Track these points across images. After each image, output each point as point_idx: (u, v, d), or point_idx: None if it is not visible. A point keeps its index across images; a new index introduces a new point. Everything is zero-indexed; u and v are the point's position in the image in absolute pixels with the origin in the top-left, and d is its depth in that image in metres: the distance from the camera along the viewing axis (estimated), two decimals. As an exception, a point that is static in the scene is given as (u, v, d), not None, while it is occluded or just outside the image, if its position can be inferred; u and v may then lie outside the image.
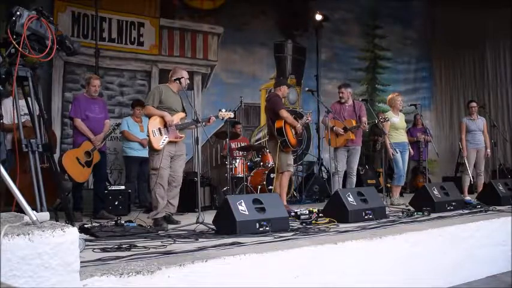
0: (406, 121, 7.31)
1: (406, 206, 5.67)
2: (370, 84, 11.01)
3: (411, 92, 11.13)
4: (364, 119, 6.31)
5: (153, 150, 4.69)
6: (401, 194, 7.34)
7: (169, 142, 4.71)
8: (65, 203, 3.52)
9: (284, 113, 5.88)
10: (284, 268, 2.96)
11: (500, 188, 5.96)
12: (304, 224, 4.27)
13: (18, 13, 2.81)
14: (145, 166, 6.70)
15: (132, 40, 8.18)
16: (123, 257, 2.75)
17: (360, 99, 8.87)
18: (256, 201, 3.88)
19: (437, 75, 11.48)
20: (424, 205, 5.10)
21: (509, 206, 5.38)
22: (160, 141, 4.65)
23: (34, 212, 2.21)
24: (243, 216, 3.69)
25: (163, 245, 3.25)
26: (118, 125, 6.24)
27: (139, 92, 8.10)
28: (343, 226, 4.16)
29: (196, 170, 6.08)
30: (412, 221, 4.55)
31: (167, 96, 4.84)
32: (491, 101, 10.15)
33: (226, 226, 3.70)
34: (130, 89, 8.11)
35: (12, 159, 4.35)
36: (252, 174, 7.45)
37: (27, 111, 3.19)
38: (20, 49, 2.81)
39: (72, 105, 5.57)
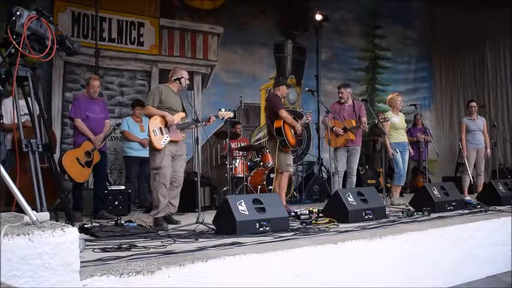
0: (406, 121, 7.31)
1: (406, 206, 5.67)
2: (370, 84, 11.01)
3: (411, 92, 11.13)
4: (364, 119, 6.30)
5: (154, 150, 4.69)
6: (401, 194, 7.34)
7: (171, 141, 4.72)
8: (65, 203, 3.52)
9: (283, 113, 5.88)
10: (284, 268, 2.96)
11: (500, 188, 5.96)
12: (304, 224, 4.27)
13: (18, 13, 2.81)
14: (145, 166, 6.70)
15: (132, 40, 8.18)
16: (123, 257, 2.75)
17: (360, 99, 8.87)
18: (256, 201, 3.88)
19: (437, 75, 11.48)
20: (424, 205, 5.10)
21: (509, 206, 5.38)
22: (161, 140, 4.65)
23: (34, 212, 2.21)
24: (243, 216, 3.69)
25: (163, 245, 3.25)
26: (118, 125, 6.24)
27: (139, 92, 8.10)
28: (343, 226, 4.16)
29: (196, 170, 6.07)
30: (412, 221, 4.55)
31: (167, 96, 4.84)
32: (491, 101, 10.15)
33: (226, 226, 3.70)
34: (130, 89, 8.11)
35: (12, 159, 4.35)
36: (252, 174, 7.45)
37: (27, 111, 3.19)
38: (20, 49, 2.81)
39: (72, 106, 5.57)
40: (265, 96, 8.09)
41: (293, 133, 5.97)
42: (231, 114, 5.14)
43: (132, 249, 3.07)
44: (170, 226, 4.51)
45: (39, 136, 2.91)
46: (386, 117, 6.60)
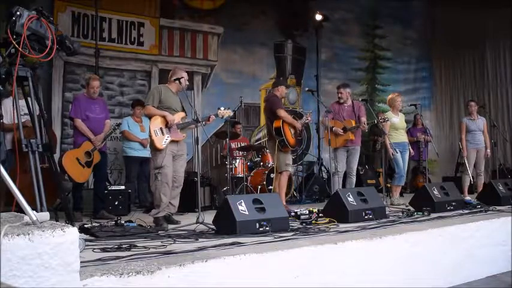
0: (406, 121, 7.31)
1: (406, 206, 5.67)
2: (370, 84, 11.01)
3: (411, 92, 11.13)
4: (363, 119, 6.30)
5: (155, 150, 4.70)
6: (401, 194, 7.34)
7: (172, 141, 4.74)
8: (65, 203, 3.52)
9: (282, 113, 5.88)
10: (284, 268, 2.96)
11: (500, 188, 5.96)
12: (304, 224, 4.27)
13: (18, 13, 2.81)
14: (145, 166, 6.70)
15: (132, 40, 8.18)
16: (123, 257, 2.75)
17: (360, 99, 8.89)
18: (256, 201, 3.88)
19: (437, 75, 11.48)
20: (424, 205, 5.10)
21: (509, 206, 5.38)
22: (162, 140, 4.67)
23: (34, 212, 2.21)
24: (243, 216, 3.69)
25: (163, 245, 3.25)
26: (118, 125, 6.24)
27: (139, 92, 8.10)
28: (343, 226, 4.16)
29: (196, 170, 6.07)
30: (412, 221, 4.55)
31: (167, 96, 4.85)
32: (491, 101, 10.15)
33: (226, 226, 3.70)
34: (130, 89, 8.11)
35: (12, 159, 4.35)
36: (252, 174, 7.45)
37: (27, 111, 3.19)
38: (20, 49, 2.81)
39: (73, 106, 5.57)
40: (265, 96, 8.08)
41: (292, 133, 5.97)
42: (231, 113, 5.14)
43: (132, 249, 3.07)
44: (170, 226, 4.51)
45: (39, 136, 2.91)
46: (386, 118, 6.60)
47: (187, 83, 5.09)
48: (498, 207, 5.35)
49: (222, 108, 5.06)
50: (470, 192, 7.42)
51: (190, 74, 8.26)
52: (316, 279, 3.07)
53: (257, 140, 9.44)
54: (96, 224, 4.08)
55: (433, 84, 11.51)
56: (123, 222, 4.19)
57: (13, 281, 1.91)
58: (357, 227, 4.04)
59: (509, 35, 9.43)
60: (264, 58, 9.69)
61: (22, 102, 3.24)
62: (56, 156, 4.31)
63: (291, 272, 2.98)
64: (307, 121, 6.29)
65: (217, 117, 5.07)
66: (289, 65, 10.10)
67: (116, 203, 5.94)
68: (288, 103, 9.63)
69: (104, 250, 3.02)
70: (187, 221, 4.58)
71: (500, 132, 9.02)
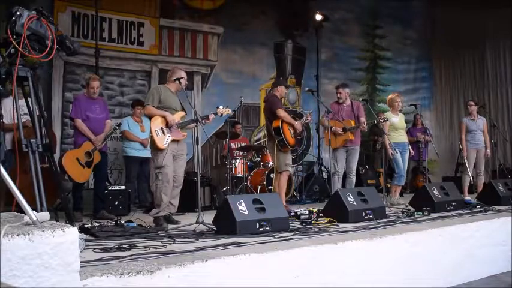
0: (406, 121, 7.31)
1: (406, 206, 5.67)
2: (370, 84, 11.01)
3: (411, 92, 11.13)
4: (363, 119, 6.31)
5: (156, 150, 4.71)
6: (401, 194, 7.34)
7: (172, 141, 4.76)
8: (65, 203, 3.52)
9: (281, 113, 5.87)
10: (284, 268, 2.96)
11: (500, 188, 5.96)
12: (304, 224, 4.27)
13: (18, 13, 2.81)
14: (145, 166, 6.70)
15: (132, 40, 8.18)
16: (123, 257, 2.75)
17: (360, 99, 8.89)
18: (256, 201, 3.88)
19: (437, 75, 11.48)
20: (424, 205, 5.10)
21: (509, 206, 5.38)
22: (164, 140, 4.68)
23: (34, 212, 2.21)
24: (243, 216, 3.69)
25: (163, 245, 3.25)
26: (119, 124, 6.25)
27: (139, 92, 8.10)
28: (343, 226, 4.16)
29: (196, 170, 6.07)
30: (412, 221, 4.55)
31: (166, 96, 4.86)
32: (491, 101, 10.15)
33: (226, 226, 3.70)
34: (130, 89, 8.11)
35: (12, 159, 4.35)
36: (252, 174, 7.45)
37: (26, 111, 3.19)
38: (20, 49, 2.81)
39: (73, 106, 5.58)
40: (265, 96, 8.09)
41: (292, 133, 5.96)
42: (229, 111, 5.15)
43: (132, 249, 3.07)
44: (170, 226, 4.51)
45: (39, 136, 2.91)
46: (386, 118, 6.59)
47: (187, 83, 5.10)
48: (498, 207, 5.35)
49: (221, 107, 5.07)
50: (470, 192, 7.42)
51: (190, 74, 8.29)
52: (316, 279, 3.07)
53: (257, 140, 9.43)
54: (96, 224, 4.08)
55: (433, 84, 11.51)
56: (123, 222, 4.19)
57: (13, 281, 1.91)
58: (357, 227, 4.04)
59: (509, 35, 9.43)
60: (264, 58, 9.69)
61: (22, 102, 3.24)
62: (56, 156, 4.31)
63: (291, 272, 2.98)
64: (307, 121, 6.28)
65: (217, 116, 5.08)
66: (289, 65, 10.10)
67: (116, 203, 5.94)
68: (288, 103, 9.63)
69: (104, 250, 3.02)
70: (187, 221, 4.58)
71: (500, 132, 9.02)
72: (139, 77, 8.24)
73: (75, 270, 2.13)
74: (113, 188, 6.07)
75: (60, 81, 7.41)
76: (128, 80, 8.09)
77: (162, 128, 4.73)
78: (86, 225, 3.97)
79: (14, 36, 2.81)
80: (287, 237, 3.53)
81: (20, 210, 2.32)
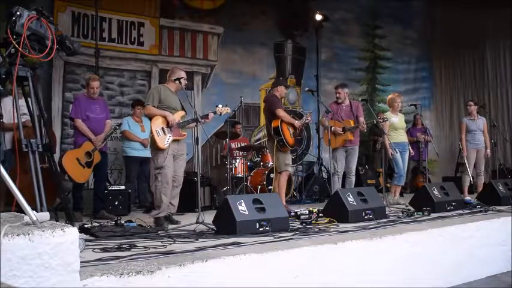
0: (406, 121, 7.31)
1: (406, 206, 5.66)
2: (370, 84, 11.01)
3: (411, 92, 11.13)
4: (362, 119, 6.31)
5: (157, 150, 4.71)
6: (401, 194, 7.34)
7: (173, 141, 4.76)
8: (65, 203, 3.52)
9: (281, 112, 5.87)
10: (284, 268, 2.96)
11: (500, 188, 5.96)
12: (304, 224, 4.27)
13: (18, 13, 2.81)
14: (145, 166, 6.70)
15: (132, 40, 8.18)
16: (123, 257, 2.75)
17: (360, 99, 8.89)
18: (256, 201, 3.88)
19: (437, 75, 11.48)
20: (424, 205, 5.10)
21: (509, 206, 5.38)
22: (165, 140, 4.68)
23: (34, 212, 2.21)
24: (243, 216, 3.69)
25: (163, 245, 3.25)
26: (119, 124, 6.24)
27: (139, 92, 8.10)
28: (343, 226, 4.16)
29: (196, 170, 6.08)
30: (412, 221, 4.55)
31: (166, 95, 4.86)
32: (491, 101, 10.14)
33: (226, 226, 3.70)
34: (130, 89, 8.11)
35: (12, 158, 4.35)
36: (252, 174, 7.44)
37: (26, 111, 3.19)
38: (20, 49, 2.81)
39: (73, 106, 5.58)
40: (264, 96, 8.09)
41: (291, 132, 5.95)
42: (229, 110, 5.14)
43: (132, 249, 3.07)
44: (170, 226, 4.51)
45: (39, 136, 2.91)
46: (385, 118, 6.59)
47: (186, 83, 5.10)
48: (498, 207, 5.35)
49: (220, 106, 5.06)
50: (470, 192, 7.41)
51: (190, 74, 8.29)
52: (316, 279, 3.07)
53: (257, 140, 9.43)
54: (96, 224, 4.08)
55: (433, 84, 11.51)
56: (123, 222, 4.19)
57: (13, 281, 1.91)
58: (357, 227, 4.04)
59: (509, 35, 9.43)
60: (264, 58, 9.69)
61: (21, 102, 3.23)
62: (56, 156, 4.31)
63: (291, 272, 2.98)
64: (307, 121, 6.28)
65: (216, 115, 5.07)
66: (289, 65, 10.09)
67: (116, 203, 5.93)
68: (288, 103, 9.63)
69: (104, 250, 3.02)
70: (187, 221, 4.57)
71: (500, 132, 9.01)
72: (139, 77, 8.24)
73: (75, 270, 2.13)
74: (113, 188, 6.07)
75: (60, 81, 7.40)
76: (128, 80, 8.09)
77: (162, 128, 4.73)
78: (86, 225, 3.97)
79: (14, 36, 2.81)
80: (287, 237, 3.53)
81: (20, 210, 2.32)
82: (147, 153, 6.36)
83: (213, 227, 3.96)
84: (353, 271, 3.29)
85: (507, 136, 9.48)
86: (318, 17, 9.63)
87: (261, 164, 7.55)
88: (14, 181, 2.23)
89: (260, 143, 9.26)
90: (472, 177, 7.49)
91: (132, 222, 4.30)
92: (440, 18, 11.11)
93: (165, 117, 4.75)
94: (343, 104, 6.40)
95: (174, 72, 5.01)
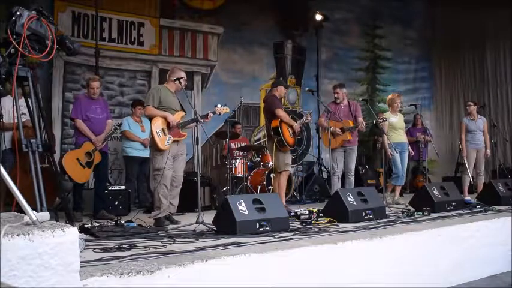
0: (406, 121, 7.30)
1: (406, 206, 5.67)
2: (370, 84, 11.01)
3: (411, 92, 11.13)
4: (360, 119, 6.31)
5: (157, 151, 4.71)
6: (401, 194, 7.34)
7: (173, 141, 4.76)
8: (65, 203, 3.52)
9: (280, 112, 5.87)
10: (284, 268, 2.96)
11: (500, 188, 5.96)
12: (304, 224, 4.27)
13: (18, 13, 2.81)
14: (145, 166, 6.70)
15: (132, 40, 8.18)
16: (123, 257, 2.75)
17: (360, 99, 8.88)
18: (256, 201, 3.88)
19: (437, 75, 11.48)
20: (424, 205, 5.10)
21: (509, 206, 5.39)
22: (165, 141, 4.69)
23: (34, 212, 2.20)
24: (243, 216, 3.69)
25: (163, 245, 3.25)
26: (119, 124, 6.24)
27: (139, 92, 8.09)
28: (343, 226, 4.16)
29: (196, 170, 6.07)
30: (412, 221, 4.55)
31: (166, 96, 4.87)
32: (491, 101, 10.15)
33: (226, 226, 3.70)
34: (130, 89, 8.11)
35: (12, 158, 4.35)
36: (252, 174, 7.44)
37: (25, 111, 3.19)
38: (20, 49, 2.81)
39: (73, 106, 5.59)
40: (264, 96, 8.09)
41: (291, 132, 5.95)
42: (228, 110, 5.15)
43: (132, 249, 3.08)
44: (170, 226, 4.51)
45: (39, 136, 2.91)
46: (384, 118, 6.59)
47: (186, 83, 5.10)
48: (498, 207, 5.35)
49: (219, 106, 5.06)
50: (470, 192, 7.41)
51: (190, 74, 8.29)
52: (316, 279, 3.07)
53: (257, 140, 9.43)
54: (96, 224, 4.07)
55: (433, 84, 11.51)
56: (123, 222, 4.19)
57: (13, 281, 1.91)
58: (357, 227, 4.04)
59: (510, 35, 9.43)
60: (263, 58, 9.68)
61: (21, 102, 3.24)
62: (56, 156, 4.31)
63: (291, 272, 2.98)
64: (306, 121, 6.28)
65: (215, 114, 5.07)
66: (289, 65, 10.09)
67: (116, 203, 5.94)
68: (288, 103, 9.63)
69: (104, 250, 3.02)
70: (187, 221, 4.58)
71: (500, 132, 9.02)
72: (140, 77, 8.23)
73: (75, 270, 2.13)
74: (113, 188, 6.07)
75: (60, 81, 7.40)
76: (128, 80, 8.09)
77: (163, 129, 4.73)
78: (86, 225, 3.97)
79: (14, 36, 2.80)
80: (287, 237, 3.53)
81: (20, 210, 2.32)
82: (147, 153, 6.35)
83: (213, 227, 3.96)
84: (353, 271, 3.29)
85: (507, 136, 9.48)
86: (318, 17, 9.64)
87: (261, 164, 7.55)
88: (14, 181, 2.23)
89: (260, 143, 9.26)
90: (472, 177, 7.49)
91: (132, 222, 4.30)
92: (440, 18, 11.11)
93: (165, 118, 4.75)
94: (342, 104, 6.40)
95: (174, 73, 5.01)
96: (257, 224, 3.72)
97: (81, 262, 2.21)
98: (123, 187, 6.15)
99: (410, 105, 7.51)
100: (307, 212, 4.52)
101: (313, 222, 4.35)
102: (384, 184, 7.03)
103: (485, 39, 10.24)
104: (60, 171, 4.67)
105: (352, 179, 6.38)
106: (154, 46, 8.39)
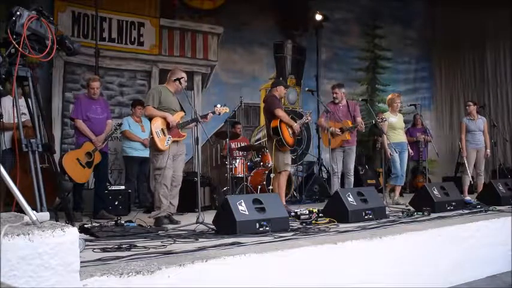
0: (406, 121, 7.30)
1: (406, 206, 5.66)
2: (370, 84, 11.01)
3: (411, 92, 11.13)
4: (359, 119, 6.32)
5: (157, 151, 4.71)
6: (401, 194, 7.34)
7: (173, 141, 4.76)
8: (65, 203, 3.52)
9: (280, 112, 5.87)
10: (284, 268, 2.96)
11: (500, 188, 5.96)
12: (304, 224, 4.27)
13: (18, 13, 2.81)
14: (145, 166, 6.70)
15: (132, 40, 8.18)
16: (123, 257, 2.75)
17: (360, 99, 8.88)
18: (256, 201, 3.88)
19: (437, 75, 11.48)
20: (424, 205, 5.10)
21: (509, 206, 5.39)
22: (165, 141, 4.69)
23: (34, 212, 2.20)
24: (243, 216, 3.69)
25: (163, 245, 3.25)
26: (120, 125, 6.24)
27: (139, 92, 8.09)
28: (343, 226, 4.16)
29: (196, 170, 6.07)
30: (412, 221, 4.55)
31: (166, 96, 4.87)
32: (491, 101, 10.15)
33: (226, 226, 3.70)
34: (130, 89, 8.11)
35: (11, 158, 4.35)
36: (252, 174, 7.44)
37: (25, 111, 3.19)
38: (20, 49, 2.81)
39: (74, 106, 5.60)
40: (264, 96, 8.09)
41: (290, 132, 5.95)
42: (227, 109, 5.15)
43: (132, 249, 3.08)
44: (170, 226, 4.51)
45: (39, 136, 2.91)
46: (384, 118, 6.60)
47: (186, 83, 5.10)
48: (498, 207, 5.35)
49: (219, 106, 5.06)
50: (470, 192, 7.41)
51: (190, 74, 8.28)
52: (316, 279, 3.07)
53: (257, 140, 9.43)
54: (96, 224, 4.07)
55: (433, 84, 11.51)
56: (123, 222, 4.19)
57: (13, 281, 1.91)
58: (357, 227, 4.04)
59: (510, 35, 9.43)
60: (263, 58, 9.69)
61: (21, 102, 3.23)
62: (56, 156, 4.31)
63: (291, 272, 2.98)
64: (306, 121, 6.28)
65: (215, 114, 5.07)
66: (289, 65, 10.09)
67: (116, 203, 5.94)
68: (288, 103, 9.63)
69: (104, 250, 3.02)
70: (187, 221, 4.58)
71: (500, 132, 9.01)
72: (140, 77, 8.23)
73: (75, 270, 2.13)
74: (113, 188, 6.07)
75: (60, 81, 7.40)
76: (128, 80, 8.09)
77: (162, 129, 4.73)
78: (86, 225, 3.97)
79: (14, 36, 2.80)
80: (287, 237, 3.53)
81: (20, 210, 2.32)
82: (147, 153, 6.34)
83: (213, 227, 3.96)
84: (353, 271, 3.29)
85: (507, 136, 9.48)
86: (318, 17, 9.64)
87: (261, 164, 7.55)
88: (14, 181, 2.23)
89: (260, 143, 9.26)
90: (472, 177, 7.49)
91: (132, 222, 4.30)
92: (440, 18, 11.11)
93: (165, 118, 4.75)
94: (340, 104, 6.40)
95: (175, 73, 5.02)
96: (257, 224, 3.72)
97: (81, 262, 2.21)
98: (123, 187, 6.15)
99: (410, 105, 7.51)
100: (307, 212, 4.52)
101: (313, 222, 4.35)
102: (384, 184, 7.03)
103: (485, 39, 10.24)
104: (60, 171, 4.67)
105: (352, 179, 6.38)
106: (154, 46, 8.39)
